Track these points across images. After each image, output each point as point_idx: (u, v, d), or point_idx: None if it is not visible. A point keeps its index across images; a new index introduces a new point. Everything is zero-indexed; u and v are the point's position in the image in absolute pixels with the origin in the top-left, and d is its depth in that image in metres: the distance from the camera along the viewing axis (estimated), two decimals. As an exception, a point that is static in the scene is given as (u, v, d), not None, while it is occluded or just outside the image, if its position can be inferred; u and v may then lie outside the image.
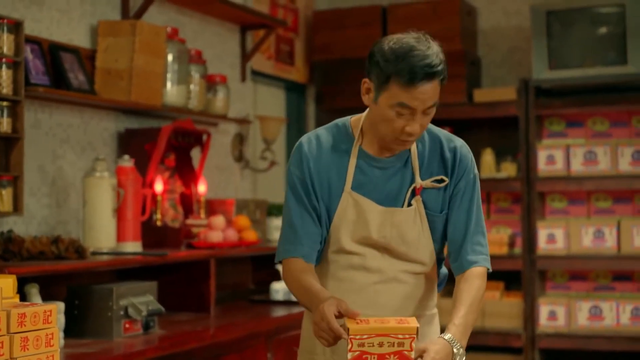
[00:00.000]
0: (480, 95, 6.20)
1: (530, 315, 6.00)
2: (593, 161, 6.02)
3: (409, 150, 2.68)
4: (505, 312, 6.10)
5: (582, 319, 5.98)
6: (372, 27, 6.43)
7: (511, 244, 6.22)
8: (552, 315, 6.01)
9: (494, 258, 6.10)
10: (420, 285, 2.74)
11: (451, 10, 6.27)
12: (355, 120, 2.75)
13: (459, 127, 6.43)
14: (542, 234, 6.04)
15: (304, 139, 2.72)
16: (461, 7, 6.28)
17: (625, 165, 5.97)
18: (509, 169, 6.22)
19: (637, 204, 6.08)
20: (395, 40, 2.52)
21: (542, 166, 6.08)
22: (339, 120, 2.77)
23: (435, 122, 7.00)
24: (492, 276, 6.39)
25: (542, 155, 6.10)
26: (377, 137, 2.64)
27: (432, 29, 6.79)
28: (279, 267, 2.69)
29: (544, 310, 6.02)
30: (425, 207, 2.68)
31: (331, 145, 2.68)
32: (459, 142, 2.74)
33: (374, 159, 2.66)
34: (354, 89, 6.38)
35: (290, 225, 2.67)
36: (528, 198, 6.06)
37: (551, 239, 6.04)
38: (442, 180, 2.68)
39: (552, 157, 6.08)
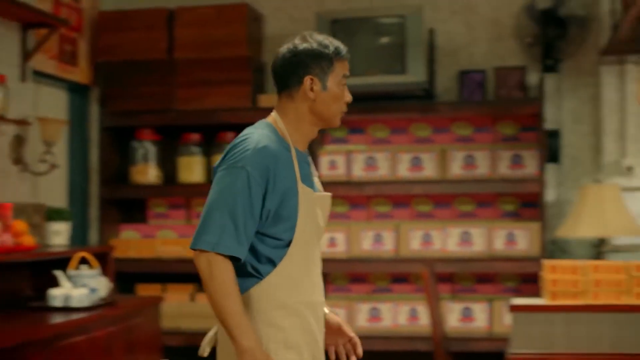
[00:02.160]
0: (265, 101, 6.26)
1: (312, 318, 6.09)
2: (373, 167, 6.20)
3: None
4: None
5: (362, 321, 6.13)
6: (157, 30, 6.38)
7: (294, 248, 6.29)
8: (334, 318, 6.12)
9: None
10: None
11: (237, 16, 6.30)
12: (274, 124, 2.91)
13: (244, 132, 6.47)
14: (323, 238, 6.15)
15: (262, 140, 2.79)
16: (247, 13, 6.32)
17: (403, 171, 6.18)
18: (292, 174, 6.29)
19: (415, 208, 6.31)
20: (308, 37, 2.88)
21: (325, 171, 6.21)
22: (265, 124, 2.90)
23: (220, 126, 7.01)
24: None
25: (324, 161, 6.22)
26: (322, 122, 2.92)
27: (218, 34, 6.87)
28: (201, 256, 2.63)
29: (325, 313, 6.13)
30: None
31: (279, 145, 2.83)
32: None
33: (303, 154, 2.92)
34: (138, 91, 6.39)
35: (235, 221, 2.72)
36: (311, 203, 6.15)
37: (332, 242, 6.17)
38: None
39: (334, 162, 6.22)
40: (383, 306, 6.14)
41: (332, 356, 3.02)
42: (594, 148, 6.29)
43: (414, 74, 5.96)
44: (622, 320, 4.09)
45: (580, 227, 5.62)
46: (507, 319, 5.94)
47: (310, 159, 2.97)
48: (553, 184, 6.29)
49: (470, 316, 6.08)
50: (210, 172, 6.42)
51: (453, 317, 6.07)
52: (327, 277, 6.34)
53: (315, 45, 2.87)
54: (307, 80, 2.86)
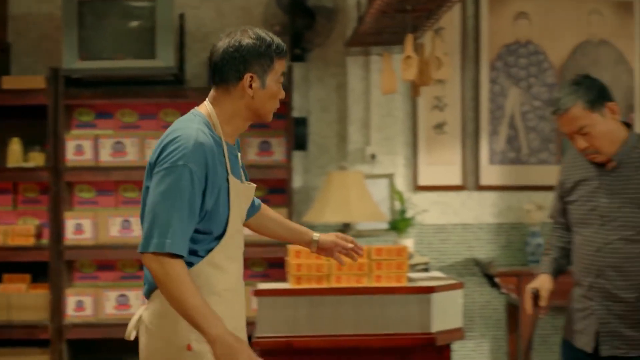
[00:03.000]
0: (8, 83, 6.05)
1: (57, 307, 5.96)
2: (121, 152, 6.12)
3: None
4: (31, 304, 6.00)
5: (110, 308, 6.06)
6: None
7: (38, 235, 6.13)
8: (80, 306, 6.03)
9: (20, 249, 6.04)
10: None
11: (-22, -7, 6.06)
12: (208, 117, 2.91)
13: (-15, 115, 6.23)
14: (70, 225, 6.03)
15: (199, 136, 2.79)
16: (-11, -10, 6.08)
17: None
18: (37, 159, 6.12)
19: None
20: (250, 32, 2.87)
21: (71, 156, 6.08)
22: (199, 117, 2.88)
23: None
24: (18, 268, 6.29)
25: (70, 145, 6.09)
26: (255, 117, 2.97)
27: (-43, 11, 6.46)
28: (152, 258, 2.69)
29: (71, 301, 6.02)
30: None
31: (212, 140, 2.84)
32: None
33: (232, 147, 2.96)
34: None
35: (181, 220, 2.73)
36: (56, 188, 6.01)
37: (79, 229, 6.05)
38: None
39: (80, 147, 6.10)
40: (131, 293, 6.08)
41: (342, 261, 3.42)
42: (339, 136, 6.48)
43: (164, 59, 5.92)
44: (363, 302, 4.23)
45: (325, 212, 5.78)
46: (255, 303, 6.01)
47: (238, 149, 3.03)
48: (300, 170, 6.44)
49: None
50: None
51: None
52: (73, 265, 6.20)
53: (258, 43, 2.87)
54: (247, 77, 2.87)
